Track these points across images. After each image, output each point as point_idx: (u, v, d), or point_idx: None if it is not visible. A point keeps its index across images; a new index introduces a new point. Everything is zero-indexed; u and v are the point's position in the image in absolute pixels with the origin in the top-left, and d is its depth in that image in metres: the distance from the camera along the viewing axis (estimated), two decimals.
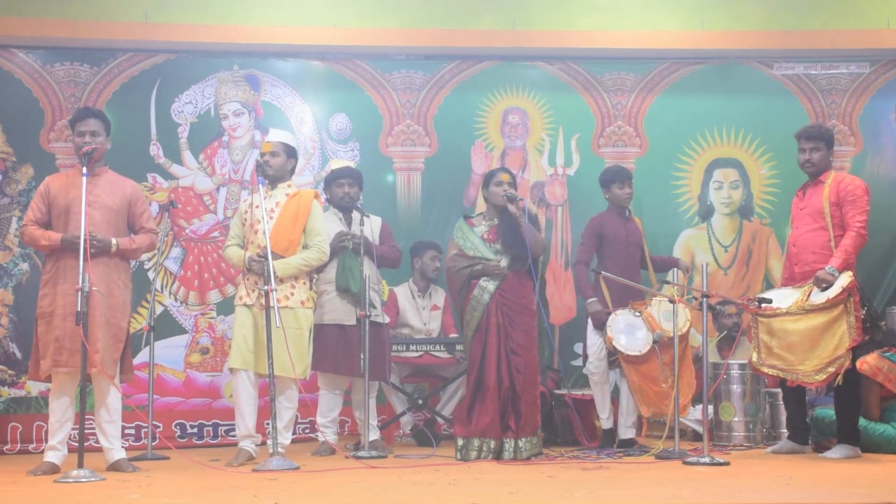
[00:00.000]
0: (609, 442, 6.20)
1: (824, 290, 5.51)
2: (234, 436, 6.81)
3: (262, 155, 5.72)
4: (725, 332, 7.12)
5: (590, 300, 6.09)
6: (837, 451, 5.53)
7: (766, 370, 5.65)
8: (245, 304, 5.56)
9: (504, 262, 5.70)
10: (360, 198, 6.37)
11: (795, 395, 5.83)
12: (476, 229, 5.81)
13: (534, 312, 5.74)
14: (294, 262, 5.61)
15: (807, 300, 5.52)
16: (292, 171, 5.84)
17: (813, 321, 5.47)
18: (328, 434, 6.11)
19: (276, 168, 5.69)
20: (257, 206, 5.62)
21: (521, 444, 5.54)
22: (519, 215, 5.63)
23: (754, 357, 5.70)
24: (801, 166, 5.89)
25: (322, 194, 6.71)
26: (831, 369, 5.42)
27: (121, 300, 5.29)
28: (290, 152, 5.79)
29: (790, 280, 5.80)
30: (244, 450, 5.53)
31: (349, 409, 6.43)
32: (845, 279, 5.49)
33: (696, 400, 6.47)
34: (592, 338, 6.18)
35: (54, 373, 5.13)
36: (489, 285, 5.67)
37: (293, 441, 6.72)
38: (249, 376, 5.53)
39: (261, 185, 5.57)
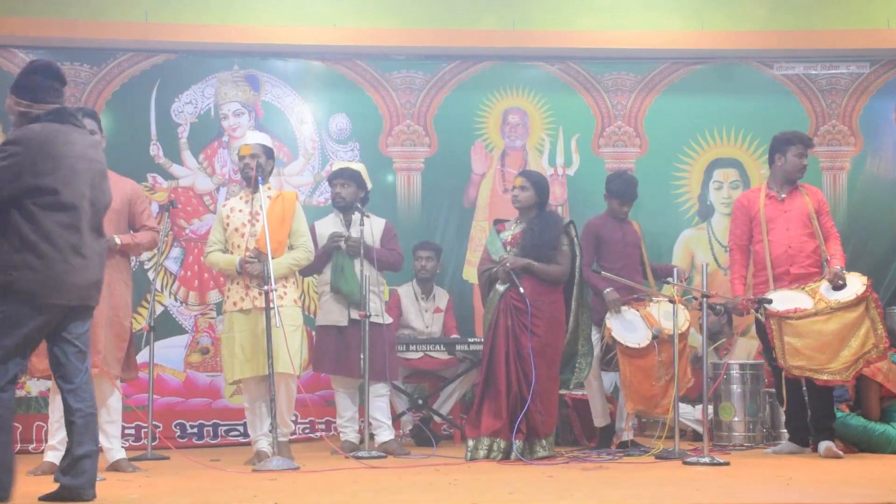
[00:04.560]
0: (606, 439, 6.20)
1: (839, 287, 5.55)
2: (235, 436, 6.85)
3: (242, 158, 5.68)
4: (722, 339, 7.09)
5: (606, 290, 6.05)
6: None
7: (795, 372, 5.59)
8: (242, 310, 5.55)
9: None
10: (364, 196, 6.26)
11: (797, 397, 5.81)
12: (502, 234, 5.84)
13: (558, 320, 5.67)
14: (285, 262, 5.64)
15: (826, 299, 5.54)
16: (271, 172, 5.82)
17: (843, 319, 5.49)
18: (348, 433, 6.12)
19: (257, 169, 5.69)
20: (241, 210, 5.63)
21: (533, 445, 5.52)
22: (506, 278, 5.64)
23: (780, 361, 5.65)
24: (798, 171, 5.93)
25: (322, 195, 6.72)
26: (860, 365, 5.50)
27: (123, 299, 5.30)
28: (269, 153, 5.76)
29: (782, 281, 5.80)
30: (262, 450, 5.52)
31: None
32: (862, 277, 5.62)
33: (697, 400, 6.48)
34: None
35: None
36: (500, 288, 5.67)
37: (293, 441, 6.74)
38: (257, 381, 5.54)
39: (260, 186, 5.58)
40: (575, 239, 5.79)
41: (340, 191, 6.21)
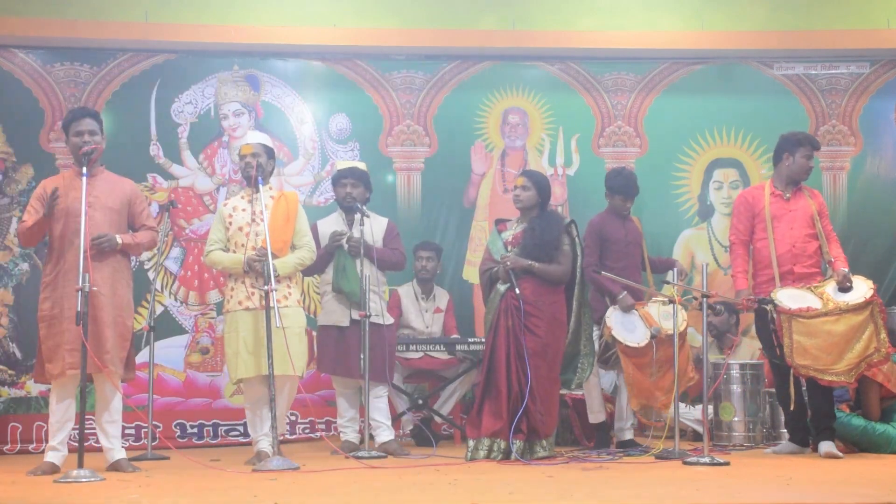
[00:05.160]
0: (603, 436, 6.20)
1: (846, 290, 5.57)
2: (235, 436, 6.85)
3: (244, 157, 5.67)
4: (715, 332, 7.07)
5: (622, 295, 6.05)
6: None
7: (802, 371, 5.58)
8: (247, 308, 5.55)
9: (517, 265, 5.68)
10: (368, 197, 6.26)
11: (797, 397, 5.80)
12: (503, 234, 5.85)
13: (559, 321, 5.67)
14: (291, 262, 5.65)
15: (834, 300, 5.54)
16: (272, 173, 5.83)
17: (851, 321, 5.50)
18: (348, 433, 6.13)
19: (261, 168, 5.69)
20: (243, 210, 5.63)
21: (533, 446, 5.52)
22: (510, 277, 5.63)
23: (788, 359, 5.64)
24: (804, 173, 5.94)
25: (322, 195, 6.71)
26: (861, 368, 5.51)
27: (125, 299, 5.31)
28: (270, 153, 5.76)
29: (786, 280, 5.80)
30: (263, 451, 5.51)
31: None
32: (868, 281, 5.65)
33: (696, 400, 6.48)
34: None
35: (64, 375, 5.10)
36: (501, 288, 5.69)
37: (293, 441, 6.74)
38: (259, 380, 5.54)
39: (260, 186, 5.57)
40: (576, 239, 5.79)
41: (351, 191, 6.19)
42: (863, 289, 5.59)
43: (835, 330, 5.52)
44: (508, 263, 5.63)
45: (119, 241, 5.23)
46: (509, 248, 5.75)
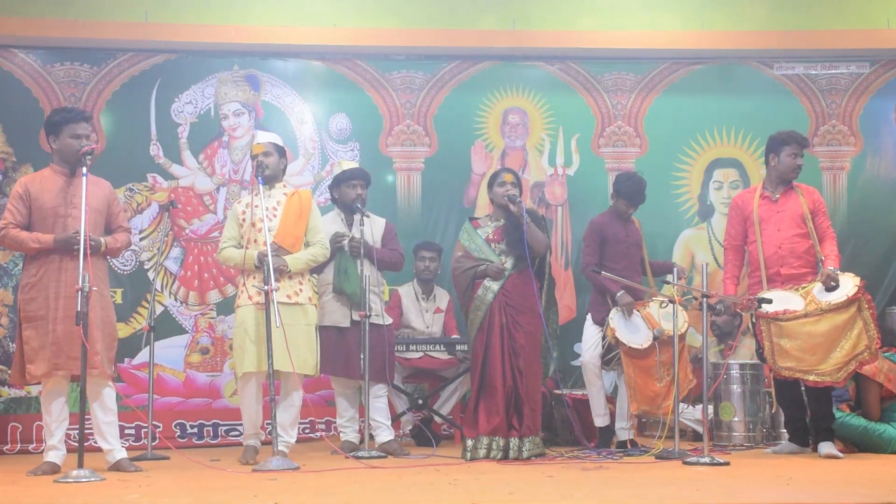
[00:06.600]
0: (606, 440, 6.20)
1: (832, 289, 5.54)
2: (235, 436, 6.85)
3: (255, 157, 5.71)
4: (718, 332, 7.07)
5: (619, 293, 6.06)
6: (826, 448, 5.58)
7: (785, 373, 5.59)
8: (256, 303, 5.53)
9: (508, 263, 5.73)
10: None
11: (793, 397, 5.82)
12: (480, 231, 5.86)
13: (538, 314, 5.72)
14: (303, 258, 5.68)
15: (817, 301, 5.53)
16: (284, 171, 5.88)
17: (834, 320, 5.48)
18: (348, 433, 6.13)
19: (271, 168, 5.72)
20: (257, 206, 5.63)
21: (523, 443, 5.56)
22: (519, 215, 5.65)
23: (770, 362, 5.64)
24: (792, 171, 5.91)
25: (322, 194, 6.68)
26: (851, 366, 5.48)
27: (108, 299, 5.35)
28: (281, 152, 5.82)
29: (774, 282, 5.79)
30: (251, 446, 5.56)
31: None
32: (855, 278, 5.58)
33: (697, 400, 6.48)
34: (590, 331, 6.19)
35: (51, 376, 5.09)
36: (493, 285, 5.70)
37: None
38: (259, 377, 5.54)
39: (260, 186, 5.58)
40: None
41: (362, 192, 6.20)
42: (847, 287, 5.54)
43: (816, 331, 5.50)
44: (518, 198, 5.67)
45: (103, 242, 5.22)
46: (492, 244, 5.77)
